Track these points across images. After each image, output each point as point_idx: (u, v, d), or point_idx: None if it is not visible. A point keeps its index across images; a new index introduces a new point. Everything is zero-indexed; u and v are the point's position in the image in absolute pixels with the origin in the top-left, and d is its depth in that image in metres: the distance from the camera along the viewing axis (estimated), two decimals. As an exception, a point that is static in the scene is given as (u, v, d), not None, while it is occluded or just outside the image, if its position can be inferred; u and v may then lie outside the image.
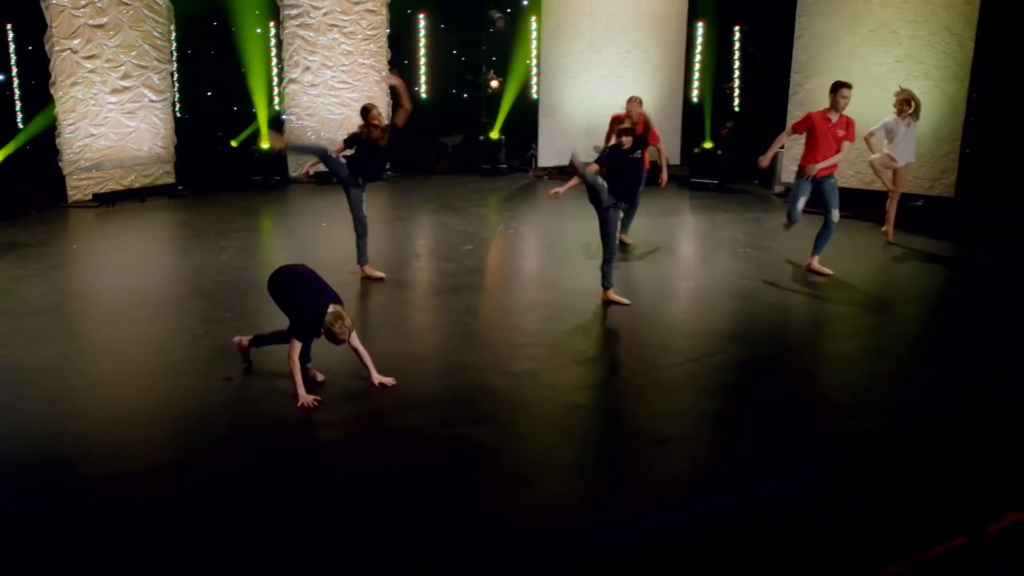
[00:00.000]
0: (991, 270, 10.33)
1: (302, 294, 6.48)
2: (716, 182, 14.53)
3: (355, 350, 6.54)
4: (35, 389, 6.62)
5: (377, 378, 6.64)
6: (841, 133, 9.34)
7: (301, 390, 6.31)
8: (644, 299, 8.87)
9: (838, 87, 9.41)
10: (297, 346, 6.34)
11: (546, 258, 11.17)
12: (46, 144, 12.91)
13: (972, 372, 7.24)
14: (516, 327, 8.26)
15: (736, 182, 14.97)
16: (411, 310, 9.05)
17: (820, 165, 9.36)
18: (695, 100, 15.81)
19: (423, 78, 16.35)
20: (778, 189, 14.04)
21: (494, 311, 8.86)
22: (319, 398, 6.34)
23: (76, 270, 10.15)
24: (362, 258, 9.40)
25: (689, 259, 11.11)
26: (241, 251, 10.66)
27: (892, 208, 11.09)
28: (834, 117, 9.36)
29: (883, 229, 11.21)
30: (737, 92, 15.77)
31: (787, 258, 10.33)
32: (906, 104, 10.69)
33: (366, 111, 9.17)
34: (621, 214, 8.85)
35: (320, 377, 6.73)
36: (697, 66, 15.81)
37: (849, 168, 12.99)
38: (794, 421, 6.30)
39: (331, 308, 6.27)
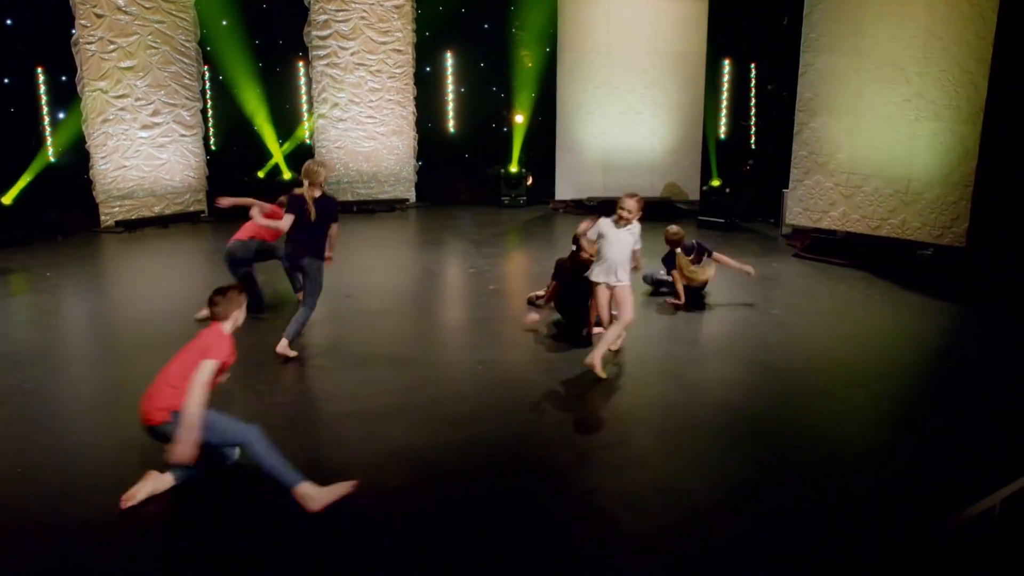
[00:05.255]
0: (1000, 333, 8.27)
1: None
2: (723, 220, 12.88)
3: None
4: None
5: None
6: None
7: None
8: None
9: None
10: None
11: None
12: (81, 175, 12.53)
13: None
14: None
15: (748, 220, 13.27)
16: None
17: None
18: (722, 137, 14.14)
19: (450, 112, 15.26)
20: (785, 230, 12.28)
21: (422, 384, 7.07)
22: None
23: (28, 303, 9.19)
24: None
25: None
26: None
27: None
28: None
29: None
30: (753, 130, 13.99)
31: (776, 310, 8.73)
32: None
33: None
34: None
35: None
36: (724, 103, 14.12)
37: (855, 212, 11.19)
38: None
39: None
